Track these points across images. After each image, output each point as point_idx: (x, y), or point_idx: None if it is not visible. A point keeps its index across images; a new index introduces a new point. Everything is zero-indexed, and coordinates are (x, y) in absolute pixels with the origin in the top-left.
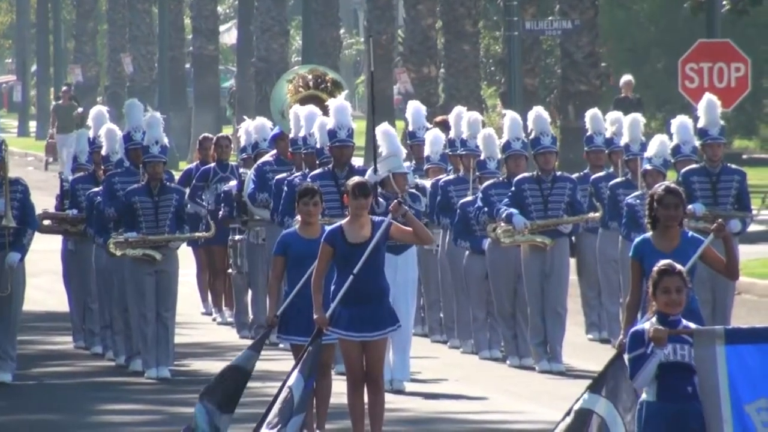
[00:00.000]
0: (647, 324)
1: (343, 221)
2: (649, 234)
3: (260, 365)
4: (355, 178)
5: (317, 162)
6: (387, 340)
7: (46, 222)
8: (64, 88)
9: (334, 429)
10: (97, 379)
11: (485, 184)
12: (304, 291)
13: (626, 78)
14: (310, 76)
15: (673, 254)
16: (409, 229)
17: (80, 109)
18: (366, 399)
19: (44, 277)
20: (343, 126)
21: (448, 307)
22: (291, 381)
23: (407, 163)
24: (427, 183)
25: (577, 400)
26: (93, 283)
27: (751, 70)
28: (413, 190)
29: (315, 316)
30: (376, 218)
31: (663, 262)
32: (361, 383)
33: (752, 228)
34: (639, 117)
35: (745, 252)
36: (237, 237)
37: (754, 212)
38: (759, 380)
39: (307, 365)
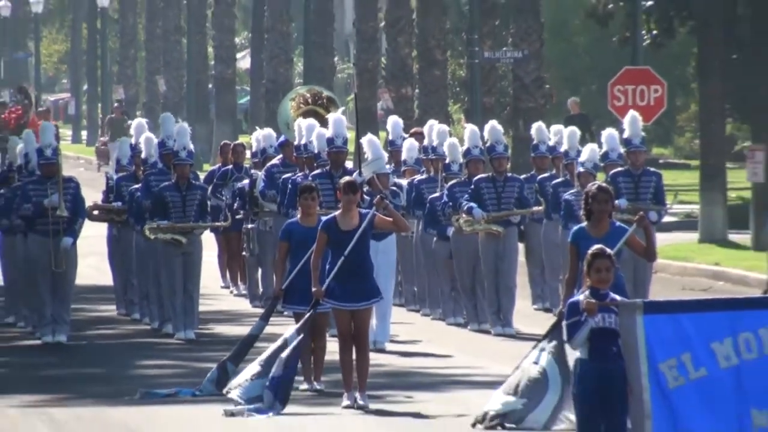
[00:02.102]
0: (582, 297)
1: (337, 213)
2: (584, 224)
3: (268, 329)
4: (346, 178)
5: (316, 164)
6: (371, 309)
7: (95, 212)
8: (116, 104)
9: (328, 380)
10: (135, 340)
11: (450, 183)
12: (304, 269)
13: (573, 99)
14: (309, 95)
15: (603, 240)
16: (390, 219)
17: (130, 122)
18: (354, 356)
19: (93, 258)
20: (339, 135)
21: (421, 283)
22: (287, 334)
23: (388, 166)
24: (404, 182)
25: (525, 356)
26: (133, 262)
27: (666, 91)
28: (393, 188)
29: (313, 290)
30: (363, 210)
31: (595, 247)
32: (350, 344)
33: (667, 219)
34: (576, 129)
35: (661, 239)
36: (249, 225)
37: (668, 206)
38: (670, 344)
39: (304, 326)
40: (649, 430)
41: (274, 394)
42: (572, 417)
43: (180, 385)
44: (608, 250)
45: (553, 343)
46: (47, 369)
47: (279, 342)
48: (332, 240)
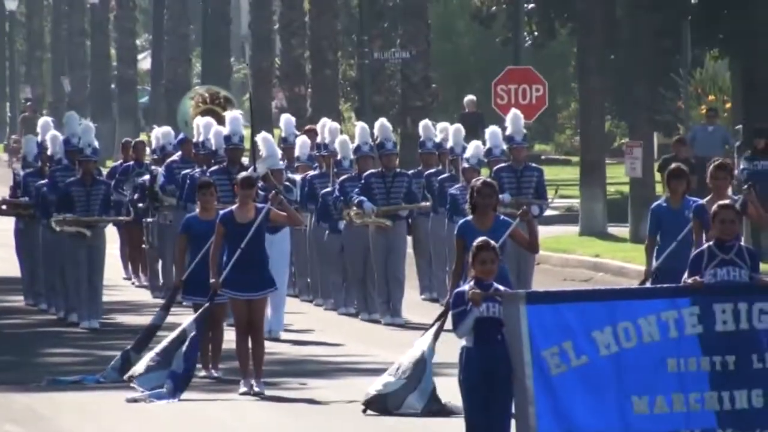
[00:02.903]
0: (467, 287)
1: (234, 207)
2: (470, 217)
3: (168, 319)
4: (243, 174)
5: (213, 161)
6: (266, 299)
7: (3, 207)
8: (28, 103)
9: (226, 368)
10: (42, 329)
11: (341, 178)
12: (202, 261)
13: (470, 97)
14: (207, 94)
15: (488, 233)
16: (284, 213)
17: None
18: (250, 345)
19: (0, 250)
20: (236, 133)
21: (313, 274)
22: (185, 324)
23: (282, 162)
24: (298, 177)
25: (413, 345)
26: (39, 254)
27: (548, 90)
28: (287, 183)
29: (211, 281)
30: (259, 205)
31: (480, 239)
32: (246, 332)
33: (548, 212)
34: (460, 127)
35: (543, 231)
36: (150, 219)
37: (549, 200)
38: (552, 332)
39: (202, 317)
40: (533, 416)
41: (174, 384)
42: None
43: (85, 373)
44: (492, 243)
45: (435, 329)
46: None
47: (177, 332)
48: (229, 233)
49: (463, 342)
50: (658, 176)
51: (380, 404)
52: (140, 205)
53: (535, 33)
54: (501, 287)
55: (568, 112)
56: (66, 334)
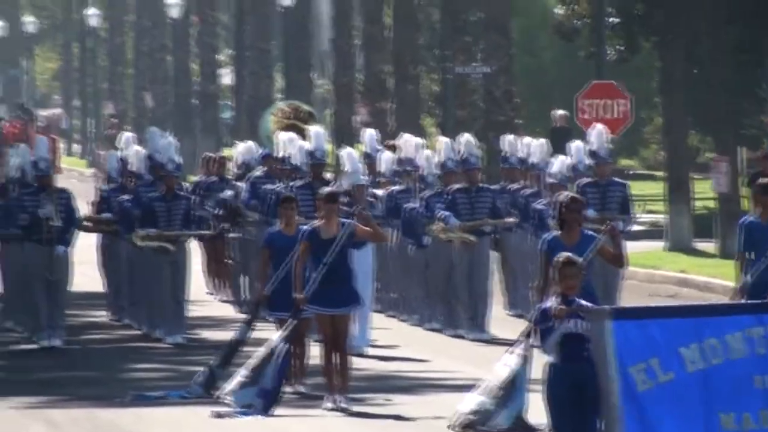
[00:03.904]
0: (552, 303)
1: (317, 222)
2: (556, 232)
3: (252, 334)
4: (327, 189)
5: (296, 176)
6: (351, 314)
7: (87, 224)
8: (115, 120)
9: (311, 383)
10: (126, 345)
11: (426, 193)
12: (286, 276)
13: (560, 111)
14: (289, 109)
15: (574, 248)
16: (369, 229)
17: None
18: (335, 360)
19: (85, 265)
20: (319, 148)
21: (398, 289)
22: (273, 344)
23: (365, 177)
24: (380, 192)
25: (499, 360)
26: (123, 269)
27: (632, 104)
28: (371, 199)
29: (295, 296)
30: (343, 220)
31: (564, 255)
32: (332, 348)
33: (634, 228)
34: (544, 141)
35: (630, 247)
36: (233, 234)
37: (635, 215)
38: (639, 348)
39: (289, 334)
40: None
41: (264, 401)
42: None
43: (169, 388)
44: (577, 258)
45: (524, 347)
46: (44, 372)
47: (265, 350)
48: (313, 248)
49: (548, 358)
50: (744, 191)
51: (468, 420)
52: (224, 224)
53: (619, 47)
54: (586, 303)
55: (653, 127)
56: (150, 350)
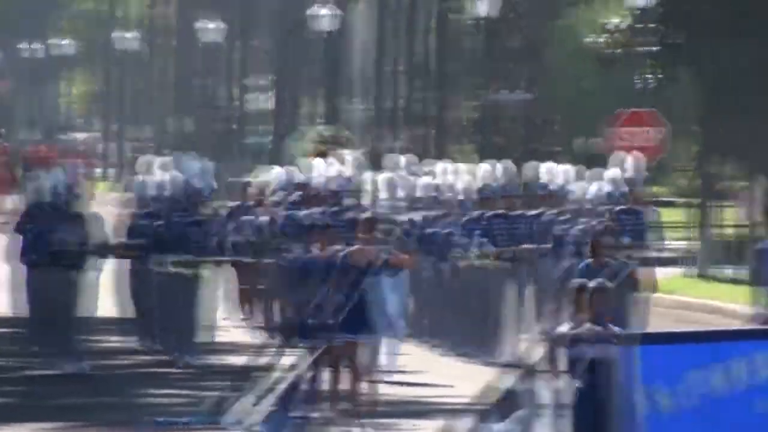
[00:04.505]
0: (583, 328)
1: (353, 247)
2: (589, 259)
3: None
4: (364, 215)
5: (333, 201)
6: (380, 340)
7: (117, 249)
8: (150, 144)
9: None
10: (151, 370)
11: (464, 219)
12: (319, 302)
13: (596, 139)
14: (326, 134)
15: (605, 273)
16: (404, 257)
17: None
18: (361, 386)
19: (113, 290)
20: (356, 174)
21: (432, 314)
22: (301, 366)
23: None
24: (417, 217)
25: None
26: (153, 294)
27: (669, 132)
28: (406, 227)
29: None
30: (378, 246)
31: (595, 280)
32: (360, 374)
33: (665, 254)
34: (581, 168)
35: (659, 273)
36: (267, 260)
37: (666, 243)
38: (665, 373)
39: (317, 359)
40: None
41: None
42: None
43: (188, 414)
44: (607, 283)
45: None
46: (63, 398)
47: (294, 375)
48: (347, 274)
49: (577, 383)
50: None
51: None
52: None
53: (658, 75)
54: (615, 328)
55: (688, 155)
56: (171, 375)
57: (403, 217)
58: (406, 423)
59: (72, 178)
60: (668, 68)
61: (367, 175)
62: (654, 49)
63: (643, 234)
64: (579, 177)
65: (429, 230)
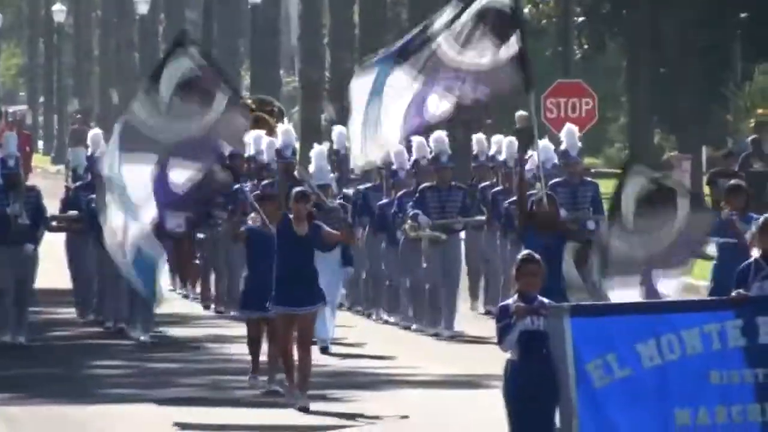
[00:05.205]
0: (511, 300)
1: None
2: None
3: (217, 332)
4: (297, 188)
5: (265, 174)
6: (315, 313)
7: (54, 223)
8: (78, 116)
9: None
10: (91, 341)
11: (400, 192)
12: (259, 274)
13: (521, 113)
14: (254, 105)
15: (542, 245)
16: (337, 233)
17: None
18: (297, 357)
19: (52, 262)
20: (289, 146)
21: (367, 286)
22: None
23: (332, 175)
24: (350, 191)
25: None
26: (90, 265)
27: (597, 103)
28: (341, 202)
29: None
30: (314, 222)
31: (524, 252)
32: (297, 347)
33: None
34: (514, 140)
35: None
36: (201, 234)
37: (603, 216)
38: (596, 345)
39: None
40: (576, 428)
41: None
42: None
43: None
44: (536, 255)
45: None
46: (4, 370)
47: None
48: (283, 241)
49: (507, 355)
50: (707, 189)
51: None
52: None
53: (585, 46)
54: (545, 300)
55: (618, 126)
56: (115, 347)
57: (337, 190)
58: (342, 394)
59: (11, 150)
60: (595, 37)
61: (297, 147)
62: (581, 19)
63: (579, 207)
64: (510, 149)
65: (362, 201)
